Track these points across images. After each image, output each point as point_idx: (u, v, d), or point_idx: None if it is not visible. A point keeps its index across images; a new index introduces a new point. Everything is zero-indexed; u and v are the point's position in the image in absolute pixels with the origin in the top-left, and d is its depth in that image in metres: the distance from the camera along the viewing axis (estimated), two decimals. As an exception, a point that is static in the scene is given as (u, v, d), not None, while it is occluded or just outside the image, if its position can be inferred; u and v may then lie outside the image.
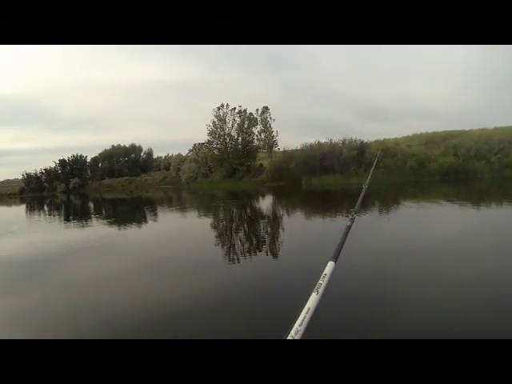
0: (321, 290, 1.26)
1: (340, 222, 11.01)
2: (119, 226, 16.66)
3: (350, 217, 2.02)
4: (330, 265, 1.46)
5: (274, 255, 8.35)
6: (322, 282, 1.32)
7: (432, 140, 27.58)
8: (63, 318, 5.48)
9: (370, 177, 4.03)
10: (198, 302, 5.63)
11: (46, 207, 35.93)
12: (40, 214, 27.69)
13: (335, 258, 1.52)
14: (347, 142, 28.24)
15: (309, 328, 1.07)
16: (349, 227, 1.90)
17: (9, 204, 45.23)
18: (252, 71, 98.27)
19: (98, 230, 15.91)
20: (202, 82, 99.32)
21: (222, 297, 5.81)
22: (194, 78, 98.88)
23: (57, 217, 24.84)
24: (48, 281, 7.85)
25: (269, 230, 12.10)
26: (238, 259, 8.17)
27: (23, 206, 39.30)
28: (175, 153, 55.39)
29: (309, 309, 1.16)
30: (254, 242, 10.19)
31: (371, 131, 64.14)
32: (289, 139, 60.84)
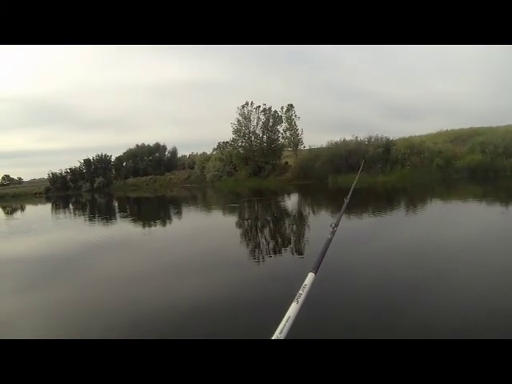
0: (301, 300, 1.31)
1: (369, 220, 11.59)
2: (143, 224, 17.15)
3: (331, 230, 2.06)
4: (310, 276, 1.50)
5: (299, 254, 8.36)
6: (302, 292, 1.36)
7: (458, 137, 27.32)
8: (77, 318, 5.60)
9: (352, 189, 3.73)
10: (219, 301, 5.71)
11: (71, 206, 36.31)
12: (65, 213, 28.24)
13: (315, 270, 1.56)
14: (373, 140, 28.43)
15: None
16: (329, 240, 1.95)
17: (35, 203, 45.76)
18: (275, 70, 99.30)
19: (121, 228, 16.45)
20: (224, 81, 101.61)
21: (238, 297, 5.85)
22: (216, 77, 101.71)
23: (81, 215, 25.46)
24: (63, 279, 7.98)
25: (300, 229, 11.99)
26: (262, 258, 8.29)
27: (49, 205, 39.88)
28: (199, 151, 55.90)
29: (289, 317, 1.22)
30: (279, 241, 10.30)
31: (396, 129, 64.17)
32: (314, 138, 61.34)
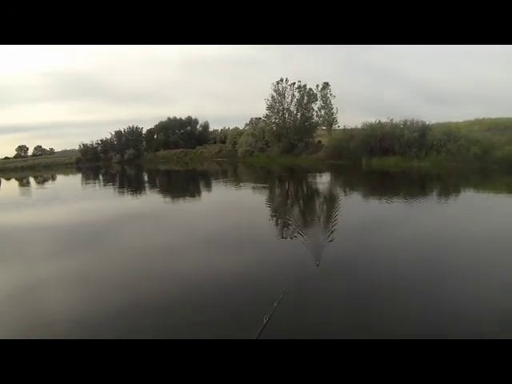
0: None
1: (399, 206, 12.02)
2: (171, 196, 18.06)
3: (264, 320, 2.30)
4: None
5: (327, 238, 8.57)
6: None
7: (496, 126, 26.70)
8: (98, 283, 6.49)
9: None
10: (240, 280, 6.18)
11: (100, 176, 38.56)
12: (94, 183, 29.98)
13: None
14: (408, 123, 27.81)
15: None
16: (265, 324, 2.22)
17: (66, 173, 48.17)
18: (312, 48, 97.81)
19: (148, 199, 17.27)
20: (257, 57, 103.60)
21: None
22: (251, 54, 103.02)
23: (110, 186, 27.07)
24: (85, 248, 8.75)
25: (328, 210, 12.26)
26: (289, 236, 8.85)
27: (79, 176, 41.96)
28: (232, 126, 56.38)
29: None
30: (306, 220, 10.60)
31: (432, 114, 63.53)
32: (349, 119, 60.81)
